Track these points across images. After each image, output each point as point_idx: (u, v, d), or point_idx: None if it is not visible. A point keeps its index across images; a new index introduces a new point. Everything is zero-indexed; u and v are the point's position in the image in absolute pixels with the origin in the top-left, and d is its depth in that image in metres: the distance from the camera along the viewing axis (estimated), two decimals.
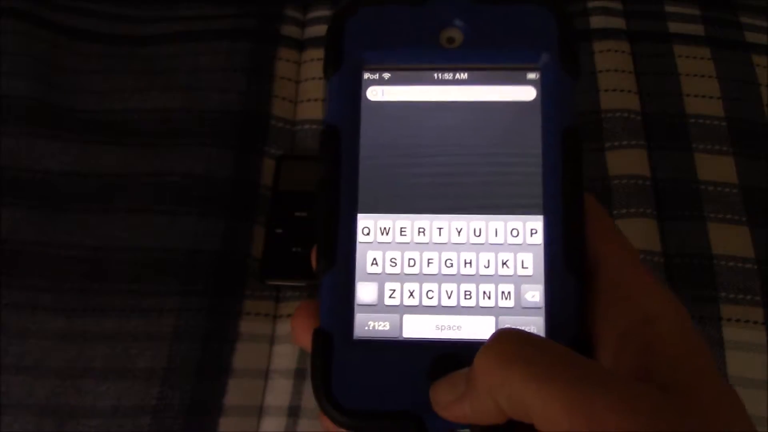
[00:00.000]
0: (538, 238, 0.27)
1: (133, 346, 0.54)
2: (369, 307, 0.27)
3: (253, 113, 0.65)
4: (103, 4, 0.72)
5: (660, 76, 0.67)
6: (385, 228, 0.28)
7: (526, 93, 0.28)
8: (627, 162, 0.62)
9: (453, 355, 0.26)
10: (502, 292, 0.27)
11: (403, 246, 0.28)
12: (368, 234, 0.28)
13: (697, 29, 0.70)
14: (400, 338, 0.27)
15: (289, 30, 0.71)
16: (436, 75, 0.29)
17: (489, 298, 0.27)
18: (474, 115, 0.28)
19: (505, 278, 0.27)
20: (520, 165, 0.28)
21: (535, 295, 0.27)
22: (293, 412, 0.52)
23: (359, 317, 0.27)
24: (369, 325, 0.27)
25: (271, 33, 0.70)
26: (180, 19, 0.72)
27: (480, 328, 0.27)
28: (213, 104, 0.65)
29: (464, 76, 0.29)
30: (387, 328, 0.27)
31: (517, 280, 0.27)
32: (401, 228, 0.28)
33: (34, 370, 0.53)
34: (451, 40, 0.28)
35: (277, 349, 0.55)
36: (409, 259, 0.28)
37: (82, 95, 0.66)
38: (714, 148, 0.63)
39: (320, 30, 0.71)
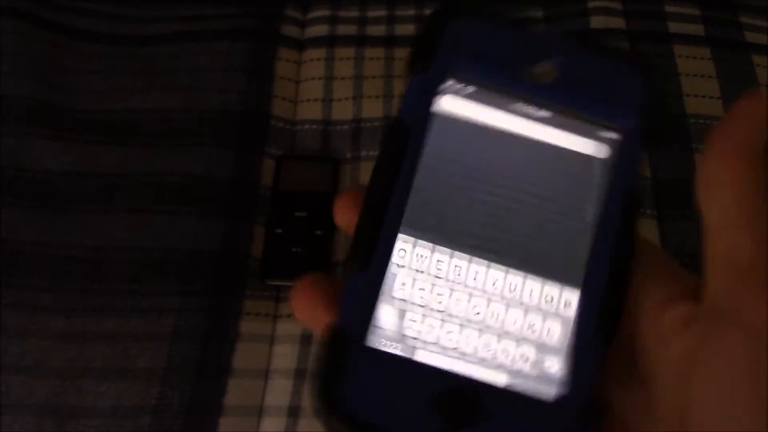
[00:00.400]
0: (571, 311, 0.26)
1: (133, 346, 0.54)
2: (386, 330, 0.26)
3: (253, 113, 0.65)
4: (103, 4, 0.72)
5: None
6: (421, 255, 0.27)
7: (599, 150, 0.28)
8: None
9: (463, 389, 0.25)
10: (522, 354, 0.26)
11: (436, 279, 0.27)
12: (404, 256, 0.27)
13: (697, 29, 0.70)
14: (414, 360, 0.25)
15: (289, 30, 0.71)
16: (516, 105, 0.28)
17: (507, 356, 0.26)
18: (540, 156, 0.28)
19: (529, 341, 0.26)
20: (573, 222, 0.27)
21: (553, 366, 0.26)
22: (293, 412, 0.52)
23: (376, 331, 0.26)
24: (383, 341, 0.26)
25: (271, 33, 0.70)
26: (180, 19, 0.72)
27: (491, 376, 0.26)
28: (213, 104, 0.65)
29: (543, 114, 0.28)
30: (399, 351, 0.26)
31: (540, 346, 0.26)
32: (438, 260, 0.27)
33: (34, 370, 0.53)
34: (543, 75, 0.27)
35: (277, 349, 0.55)
36: (438, 294, 0.27)
37: (82, 95, 0.66)
38: None
39: (320, 30, 0.71)
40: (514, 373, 0.26)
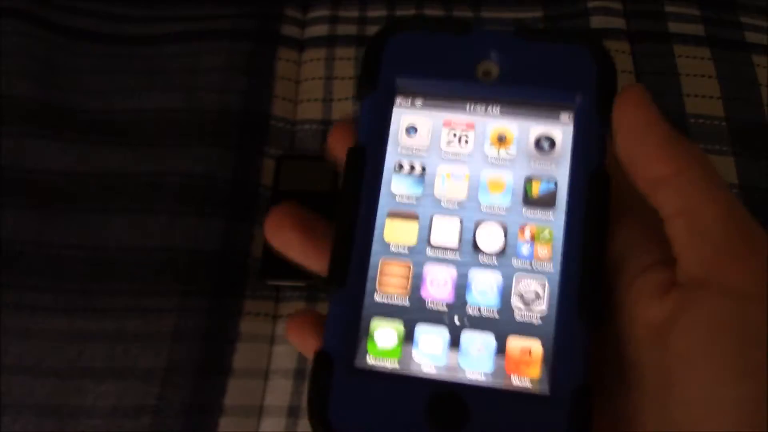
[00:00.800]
0: (552, 297, 0.27)
1: (133, 346, 0.54)
2: (368, 347, 0.27)
3: (253, 113, 0.65)
4: (103, 4, 0.72)
5: (660, 76, 0.67)
6: (398, 265, 0.28)
7: (557, 133, 0.28)
8: None
9: (453, 395, 0.25)
10: (508, 347, 0.27)
11: (415, 283, 0.28)
12: (380, 267, 0.28)
13: (697, 29, 0.70)
14: (401, 372, 0.26)
15: (289, 30, 0.71)
16: (468, 106, 0.29)
17: (492, 352, 0.27)
18: (502, 150, 0.29)
19: (513, 333, 0.27)
20: (543, 213, 0.28)
21: (540, 354, 0.26)
22: (293, 412, 0.52)
23: (359, 349, 0.27)
24: (366, 358, 0.27)
25: (271, 33, 0.70)
26: (180, 19, 0.72)
27: (480, 373, 0.26)
28: (213, 104, 0.65)
29: (496, 110, 0.29)
30: (383, 364, 0.27)
31: (525, 335, 0.27)
32: (414, 270, 0.28)
33: (34, 370, 0.53)
34: (487, 73, 0.28)
35: (277, 349, 0.55)
36: (420, 298, 0.27)
37: (82, 95, 0.66)
38: (714, 148, 0.63)
39: (320, 30, 0.71)
40: (502, 369, 0.26)
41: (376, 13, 0.72)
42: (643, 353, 0.25)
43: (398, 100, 0.29)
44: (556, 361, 0.26)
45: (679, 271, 0.25)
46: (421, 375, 0.26)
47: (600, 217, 0.26)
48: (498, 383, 0.26)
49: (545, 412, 0.25)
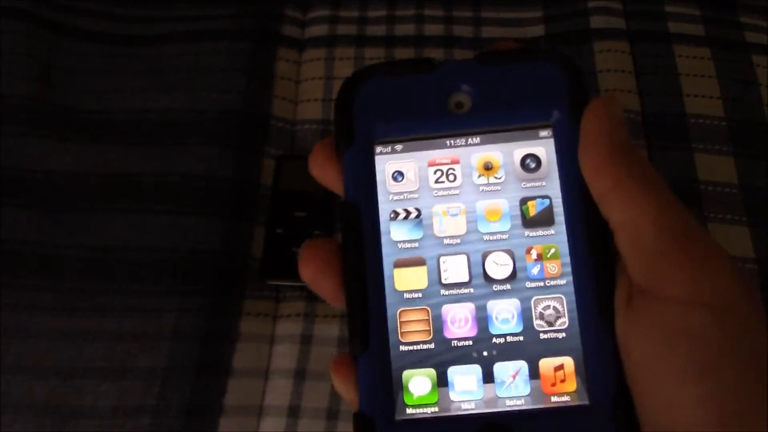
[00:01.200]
0: (570, 298, 0.27)
1: (133, 346, 0.54)
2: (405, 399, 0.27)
3: (253, 113, 0.65)
4: (103, 4, 0.72)
5: (660, 76, 0.67)
6: (416, 312, 0.28)
7: (540, 150, 0.29)
8: None
9: (497, 425, 0.25)
10: (542, 368, 0.27)
11: (437, 326, 0.28)
12: (399, 319, 0.28)
13: (697, 29, 0.70)
14: (442, 415, 0.26)
15: (289, 30, 0.71)
16: (448, 142, 0.29)
17: (527, 377, 0.27)
18: (490, 177, 0.29)
19: (542, 353, 0.27)
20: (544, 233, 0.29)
21: (572, 366, 0.27)
22: (293, 412, 0.52)
23: (399, 399, 0.27)
24: (407, 411, 0.27)
25: (271, 33, 0.70)
26: (180, 19, 0.72)
27: (519, 399, 0.27)
28: (213, 104, 0.65)
29: (477, 140, 0.29)
30: (428, 409, 0.26)
31: (554, 351, 0.27)
32: (433, 313, 0.28)
33: (34, 370, 0.53)
34: (460, 105, 0.28)
35: (277, 349, 0.55)
36: (444, 340, 0.27)
37: (82, 95, 0.66)
38: (714, 148, 0.63)
39: (320, 30, 0.71)
40: (540, 390, 0.27)
41: (376, 13, 0.72)
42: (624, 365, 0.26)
43: (378, 149, 0.29)
44: (589, 370, 0.26)
45: (630, 283, 0.26)
46: (462, 413, 0.26)
47: (600, 223, 0.27)
48: (539, 404, 0.26)
49: (590, 422, 0.25)
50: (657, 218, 0.25)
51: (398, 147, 0.28)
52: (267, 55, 0.69)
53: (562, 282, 0.27)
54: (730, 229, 0.59)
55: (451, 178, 0.29)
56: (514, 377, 0.27)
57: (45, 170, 0.61)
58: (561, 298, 0.27)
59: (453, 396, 0.27)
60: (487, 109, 0.28)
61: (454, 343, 0.27)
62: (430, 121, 0.28)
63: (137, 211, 0.60)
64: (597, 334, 0.26)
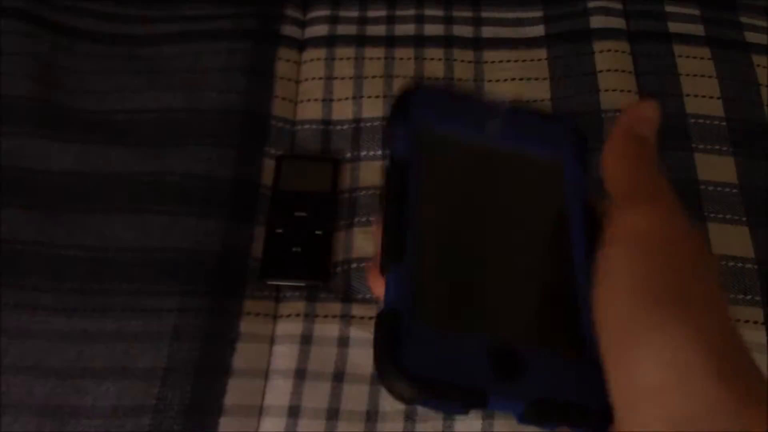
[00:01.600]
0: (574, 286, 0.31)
1: (133, 346, 0.54)
2: (428, 307, 0.29)
3: (253, 113, 0.65)
4: (103, 4, 0.72)
5: (660, 76, 0.67)
6: (444, 250, 0.31)
7: (555, 173, 0.34)
8: None
9: (510, 347, 0.28)
10: (549, 318, 0.30)
11: (460, 255, 0.31)
12: (430, 247, 0.30)
13: (697, 29, 0.70)
14: (463, 326, 0.29)
15: (289, 30, 0.71)
16: (481, 147, 0.34)
17: (536, 319, 0.30)
18: (510, 174, 0.34)
19: (551, 308, 0.30)
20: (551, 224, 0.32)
21: (571, 324, 0.29)
22: (293, 412, 0.52)
23: (424, 303, 0.29)
24: (429, 315, 0.28)
25: (271, 33, 0.70)
26: (180, 19, 0.72)
27: (527, 336, 0.29)
28: (213, 104, 0.65)
29: (503, 149, 0.34)
30: (444, 322, 0.29)
31: (559, 311, 0.30)
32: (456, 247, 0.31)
33: (34, 370, 0.53)
34: (493, 129, 0.34)
35: (277, 349, 0.55)
36: (466, 265, 0.31)
37: (82, 95, 0.66)
38: (714, 148, 0.63)
39: (320, 30, 0.71)
40: (547, 332, 0.30)
41: (376, 13, 0.72)
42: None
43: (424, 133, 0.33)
44: (584, 325, 0.29)
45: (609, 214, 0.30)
46: (477, 331, 0.28)
47: (595, 228, 0.31)
48: (545, 343, 0.29)
49: (583, 370, 0.28)
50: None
51: (440, 135, 0.34)
52: (267, 55, 0.69)
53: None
54: (730, 229, 0.59)
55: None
56: (526, 312, 0.30)
57: (45, 170, 0.61)
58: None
59: (471, 313, 0.29)
60: (516, 138, 0.34)
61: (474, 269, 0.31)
62: (470, 131, 0.34)
63: (137, 211, 0.60)
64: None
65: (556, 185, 0.34)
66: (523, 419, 0.27)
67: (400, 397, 0.27)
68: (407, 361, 0.27)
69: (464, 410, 0.27)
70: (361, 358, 0.54)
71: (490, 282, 0.31)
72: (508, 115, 0.34)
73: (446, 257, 0.31)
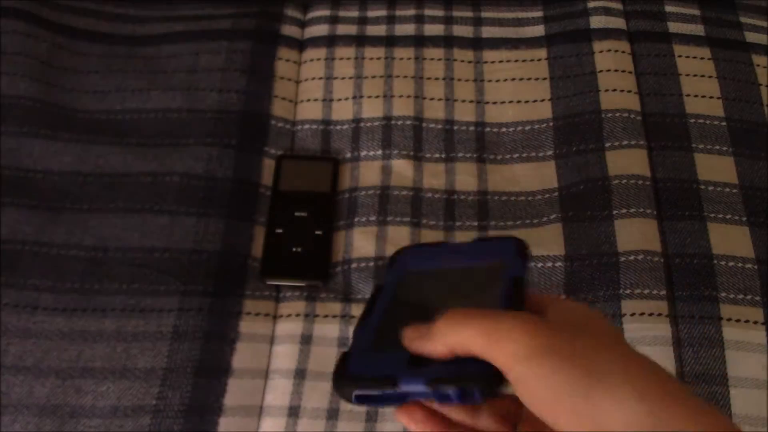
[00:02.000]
0: None
1: (133, 346, 0.54)
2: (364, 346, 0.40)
3: (253, 113, 0.65)
4: (103, 4, 0.72)
5: (660, 76, 0.67)
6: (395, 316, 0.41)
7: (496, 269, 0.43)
8: (627, 162, 0.62)
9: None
10: None
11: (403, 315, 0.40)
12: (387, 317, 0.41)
13: (697, 29, 0.70)
14: (377, 352, 0.39)
15: (289, 30, 0.71)
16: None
17: None
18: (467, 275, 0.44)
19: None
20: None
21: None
22: (293, 412, 0.52)
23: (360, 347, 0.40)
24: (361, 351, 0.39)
25: (271, 33, 0.70)
26: (180, 19, 0.72)
27: None
28: (213, 104, 0.65)
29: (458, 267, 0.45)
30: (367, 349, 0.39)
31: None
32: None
33: (34, 370, 0.53)
34: (455, 257, 0.46)
35: (277, 349, 0.55)
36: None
37: (82, 95, 0.66)
38: (714, 148, 0.63)
39: (320, 30, 0.71)
40: None
41: (376, 13, 0.72)
42: None
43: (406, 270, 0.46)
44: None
45: None
46: (392, 353, 0.38)
47: (521, 296, 0.39)
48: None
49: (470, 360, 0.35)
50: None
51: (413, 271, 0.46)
52: (267, 55, 0.69)
53: None
54: (730, 229, 0.59)
55: None
56: None
57: (45, 170, 0.61)
58: None
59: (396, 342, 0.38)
60: (473, 253, 0.46)
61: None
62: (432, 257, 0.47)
63: (137, 211, 0.60)
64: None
65: (494, 276, 0.43)
66: (426, 394, 0.35)
67: (343, 394, 0.37)
68: (349, 367, 0.38)
69: (390, 398, 0.36)
70: None
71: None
72: (467, 246, 0.47)
73: (394, 319, 0.40)
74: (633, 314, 0.55)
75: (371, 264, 0.58)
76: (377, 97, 0.66)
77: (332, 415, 0.52)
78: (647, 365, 0.31)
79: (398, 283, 0.45)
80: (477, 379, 0.34)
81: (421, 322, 0.36)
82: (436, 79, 0.68)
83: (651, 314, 0.55)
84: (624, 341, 0.33)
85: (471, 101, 0.66)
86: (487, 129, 0.65)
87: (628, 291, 0.56)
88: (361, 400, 0.37)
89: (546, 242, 0.59)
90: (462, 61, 0.69)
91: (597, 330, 0.33)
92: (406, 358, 0.37)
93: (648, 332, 0.54)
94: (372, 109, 0.66)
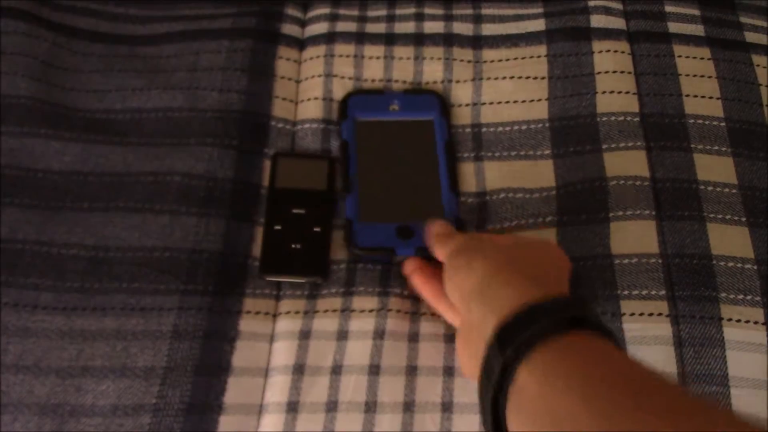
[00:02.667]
0: (443, 187, 0.62)
1: (133, 345, 0.54)
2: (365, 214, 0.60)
3: (254, 113, 0.65)
4: (103, 3, 0.72)
5: (660, 76, 0.67)
6: (371, 183, 0.62)
7: (429, 126, 0.65)
8: (625, 163, 0.62)
9: (408, 227, 0.59)
10: (428, 208, 0.61)
11: (381, 184, 0.62)
12: (363, 183, 0.62)
13: (697, 29, 0.70)
14: (382, 223, 0.59)
15: (290, 29, 0.71)
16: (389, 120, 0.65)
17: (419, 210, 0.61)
18: (406, 130, 0.65)
19: (428, 204, 0.61)
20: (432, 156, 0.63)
21: (440, 207, 0.61)
22: (292, 407, 0.52)
23: (362, 215, 0.60)
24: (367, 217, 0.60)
25: (272, 32, 0.70)
26: (180, 19, 0.72)
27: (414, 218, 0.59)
28: (213, 104, 0.65)
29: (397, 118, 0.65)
30: (374, 220, 0.60)
31: (434, 205, 0.61)
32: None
33: (34, 369, 0.53)
34: (394, 108, 0.65)
35: (276, 346, 0.55)
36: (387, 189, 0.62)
37: (82, 95, 0.66)
38: (713, 148, 0.63)
39: (321, 28, 0.71)
40: (425, 215, 0.58)
41: (376, 12, 0.72)
42: None
43: (357, 121, 0.64)
44: (447, 209, 0.61)
45: None
46: (391, 222, 0.59)
47: (454, 156, 0.64)
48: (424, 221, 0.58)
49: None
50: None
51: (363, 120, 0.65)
52: (267, 54, 0.69)
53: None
54: (730, 229, 0.59)
55: None
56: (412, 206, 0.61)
57: (45, 170, 0.61)
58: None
59: (385, 213, 0.60)
60: (407, 110, 0.65)
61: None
62: (382, 113, 0.65)
63: (137, 211, 0.60)
64: (450, 198, 0.61)
65: (430, 133, 0.64)
66: (414, 255, 0.57)
67: (355, 256, 0.59)
68: (356, 239, 0.58)
69: (387, 259, 0.58)
70: (360, 350, 0.54)
71: (396, 194, 0.61)
72: (399, 98, 0.66)
73: (372, 187, 0.61)
74: (633, 314, 0.55)
75: (378, 266, 0.58)
76: None
77: (331, 407, 0.52)
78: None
79: (357, 137, 0.63)
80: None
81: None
82: (434, 82, 0.68)
83: (651, 314, 0.55)
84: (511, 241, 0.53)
85: (467, 105, 0.67)
86: (484, 129, 0.65)
87: (626, 292, 0.56)
88: (366, 260, 0.59)
89: None
90: (461, 60, 0.69)
91: (495, 238, 0.53)
92: (394, 229, 0.58)
93: (649, 332, 0.54)
94: None
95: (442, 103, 0.65)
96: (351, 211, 0.60)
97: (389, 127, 0.64)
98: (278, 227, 0.59)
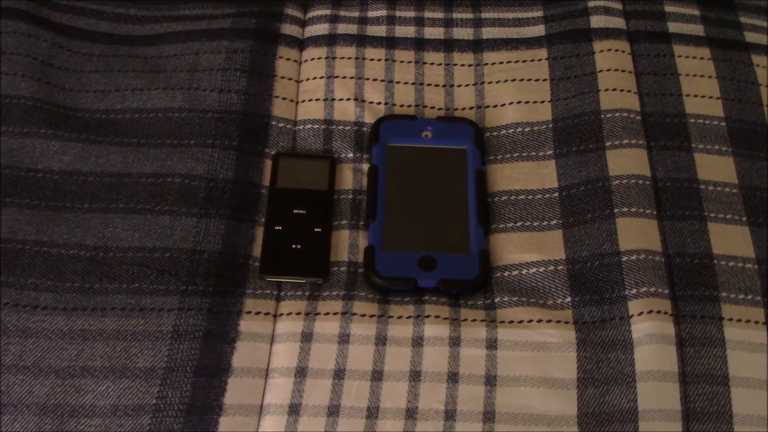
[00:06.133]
0: (469, 221, 0.60)
1: (133, 346, 0.54)
2: (387, 243, 0.59)
3: (254, 113, 0.65)
4: (103, 4, 0.72)
5: (660, 76, 0.67)
6: (397, 211, 0.61)
7: (462, 154, 0.63)
8: (627, 162, 0.62)
9: (431, 257, 0.57)
10: (453, 237, 0.60)
11: (406, 212, 0.61)
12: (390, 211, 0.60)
13: (697, 29, 0.70)
14: (405, 250, 0.58)
15: (290, 29, 0.71)
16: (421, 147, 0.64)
17: (443, 239, 0.60)
18: (437, 158, 0.63)
19: (454, 232, 0.60)
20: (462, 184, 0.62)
21: (466, 241, 0.60)
22: (293, 410, 0.52)
23: (384, 244, 0.59)
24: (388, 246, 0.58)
25: (272, 32, 0.70)
26: (180, 19, 0.72)
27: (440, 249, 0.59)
28: (214, 104, 0.65)
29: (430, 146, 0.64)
30: (395, 249, 0.59)
31: (460, 235, 0.60)
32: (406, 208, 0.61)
33: (33, 369, 0.53)
34: (426, 135, 0.64)
35: (277, 347, 0.55)
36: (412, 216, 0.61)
37: (82, 95, 0.66)
38: (714, 148, 0.63)
39: (321, 29, 0.71)
40: (449, 244, 0.59)
41: (377, 13, 0.72)
42: None
43: (389, 146, 0.64)
44: (472, 243, 0.59)
45: None
46: (412, 251, 0.58)
47: (484, 191, 0.62)
48: (450, 251, 0.58)
49: (469, 261, 0.58)
50: None
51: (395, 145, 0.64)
52: (267, 54, 0.69)
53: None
54: (730, 229, 0.59)
55: None
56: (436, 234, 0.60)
57: (45, 170, 0.61)
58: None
59: (408, 242, 0.59)
60: (439, 138, 0.64)
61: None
62: (415, 140, 0.64)
63: (137, 211, 0.60)
64: (477, 231, 0.59)
65: (461, 162, 0.63)
66: (437, 290, 0.57)
67: (376, 287, 0.57)
68: (378, 268, 0.57)
69: (409, 290, 0.57)
70: (363, 354, 0.54)
71: (422, 223, 0.60)
72: (432, 124, 0.64)
73: (398, 214, 0.60)
74: (641, 313, 0.55)
75: None
76: (378, 103, 0.67)
77: (333, 412, 0.52)
78: None
79: (387, 162, 0.62)
80: (462, 285, 0.57)
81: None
82: (437, 86, 0.68)
83: (658, 312, 0.55)
84: None
85: (471, 108, 0.67)
86: (487, 133, 0.65)
87: (633, 291, 0.56)
88: (386, 292, 0.57)
89: (546, 247, 0.59)
90: (462, 65, 0.69)
91: None
92: (417, 259, 0.57)
93: (654, 330, 0.54)
94: (374, 114, 0.66)
95: (476, 131, 0.63)
96: (374, 237, 0.58)
97: (421, 154, 0.62)
98: (279, 227, 0.59)
